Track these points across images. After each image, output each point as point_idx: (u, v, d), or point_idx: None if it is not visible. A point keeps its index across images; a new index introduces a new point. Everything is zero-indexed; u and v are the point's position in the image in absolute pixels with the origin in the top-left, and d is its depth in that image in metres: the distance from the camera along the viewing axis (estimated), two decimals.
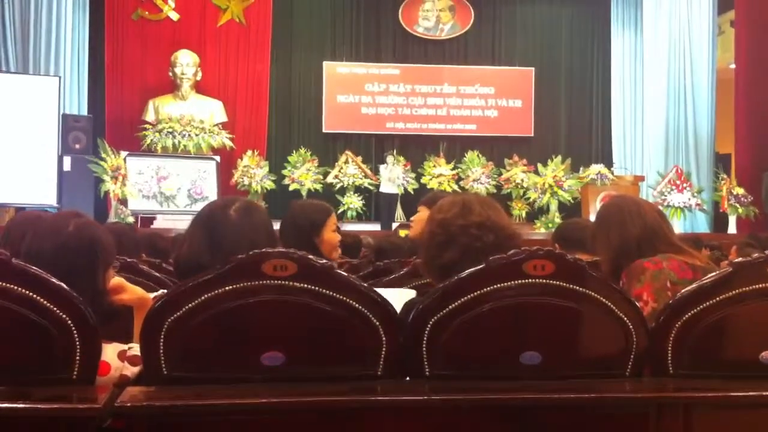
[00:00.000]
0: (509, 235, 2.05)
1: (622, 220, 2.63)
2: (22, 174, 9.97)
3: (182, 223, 8.75)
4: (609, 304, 1.75)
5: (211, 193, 10.50)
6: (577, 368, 1.77)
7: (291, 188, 11.68)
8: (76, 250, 1.93)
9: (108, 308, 1.98)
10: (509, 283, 1.70)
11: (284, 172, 11.85)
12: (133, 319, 2.09)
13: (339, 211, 10.76)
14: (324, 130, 12.94)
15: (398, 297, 2.08)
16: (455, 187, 12.04)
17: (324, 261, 1.66)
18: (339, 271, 1.68)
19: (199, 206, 10.00)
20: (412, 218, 4.50)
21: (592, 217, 3.42)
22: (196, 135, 10.98)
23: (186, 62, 11.59)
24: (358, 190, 12.04)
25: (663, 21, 12.63)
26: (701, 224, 12.11)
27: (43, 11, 10.89)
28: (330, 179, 11.95)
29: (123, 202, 9.92)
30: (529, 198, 12.05)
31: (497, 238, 2.00)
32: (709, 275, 1.84)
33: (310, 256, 1.64)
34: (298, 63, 13.04)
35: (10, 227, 2.81)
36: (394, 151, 12.39)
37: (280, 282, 1.63)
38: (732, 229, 11.39)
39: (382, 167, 12.14)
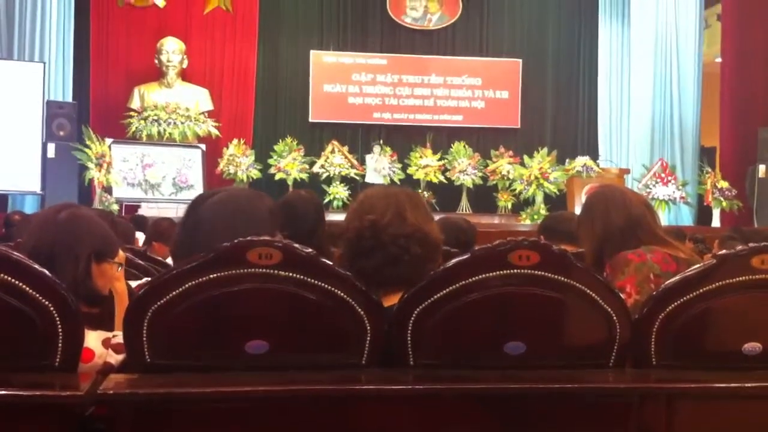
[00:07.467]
0: (434, 246, 2.01)
1: (606, 209, 2.64)
2: (5, 160, 9.88)
3: (167, 212, 8.72)
4: (593, 294, 1.75)
5: (197, 182, 10.46)
6: (560, 358, 1.77)
7: (277, 177, 11.63)
8: (57, 238, 1.92)
9: (87, 298, 1.96)
10: (494, 273, 1.70)
11: (270, 161, 11.79)
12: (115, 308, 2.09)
13: (325, 201, 10.73)
14: (311, 120, 12.89)
15: None
16: (441, 178, 12.04)
17: (309, 249, 1.65)
18: (324, 259, 1.67)
19: (184, 195, 10.04)
20: None
21: (578, 210, 3.43)
22: (182, 123, 10.90)
23: (172, 49, 11.51)
24: (344, 179, 12.00)
25: (650, 14, 12.64)
26: (685, 217, 12.15)
27: None
28: (316, 169, 11.91)
29: (107, 189, 9.85)
30: (514, 189, 12.05)
31: (423, 251, 1.96)
32: (693, 267, 1.84)
33: (295, 245, 1.63)
34: (285, 52, 12.96)
35: None
36: (381, 141, 12.36)
37: (264, 270, 1.62)
38: (716, 222, 11.44)
39: (368, 157, 12.10)
